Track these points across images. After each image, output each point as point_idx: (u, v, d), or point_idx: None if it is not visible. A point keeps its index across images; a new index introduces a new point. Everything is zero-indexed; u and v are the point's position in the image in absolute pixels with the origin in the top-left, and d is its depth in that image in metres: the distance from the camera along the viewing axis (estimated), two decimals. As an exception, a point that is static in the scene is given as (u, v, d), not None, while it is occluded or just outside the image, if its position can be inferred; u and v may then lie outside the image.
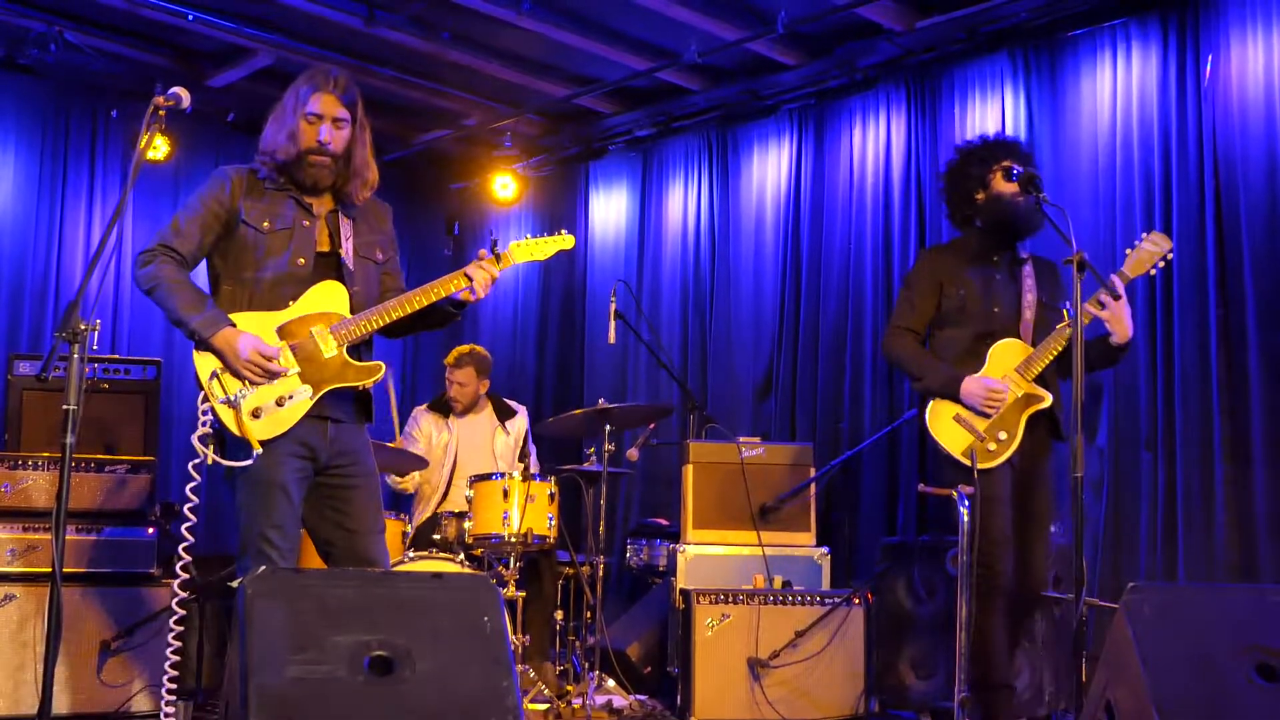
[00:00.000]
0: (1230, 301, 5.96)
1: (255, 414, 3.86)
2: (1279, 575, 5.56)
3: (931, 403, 4.86)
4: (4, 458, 5.54)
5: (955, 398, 4.79)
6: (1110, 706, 3.39)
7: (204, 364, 3.88)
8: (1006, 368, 4.79)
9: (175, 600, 3.99)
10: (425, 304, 4.06)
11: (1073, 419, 4.05)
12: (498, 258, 4.16)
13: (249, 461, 3.84)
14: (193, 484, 3.88)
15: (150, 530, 5.65)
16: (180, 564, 3.97)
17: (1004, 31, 6.88)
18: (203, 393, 3.87)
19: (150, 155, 7.88)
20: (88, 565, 5.50)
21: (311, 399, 3.94)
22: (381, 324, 4.02)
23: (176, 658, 4.05)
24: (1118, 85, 6.47)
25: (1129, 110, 6.41)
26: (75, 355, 3.49)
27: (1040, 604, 4.89)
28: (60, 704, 5.28)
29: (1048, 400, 4.76)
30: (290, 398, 3.91)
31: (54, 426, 5.56)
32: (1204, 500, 5.89)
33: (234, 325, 3.89)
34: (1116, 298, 4.64)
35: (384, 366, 4.09)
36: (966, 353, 4.88)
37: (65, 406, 3.48)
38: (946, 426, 4.80)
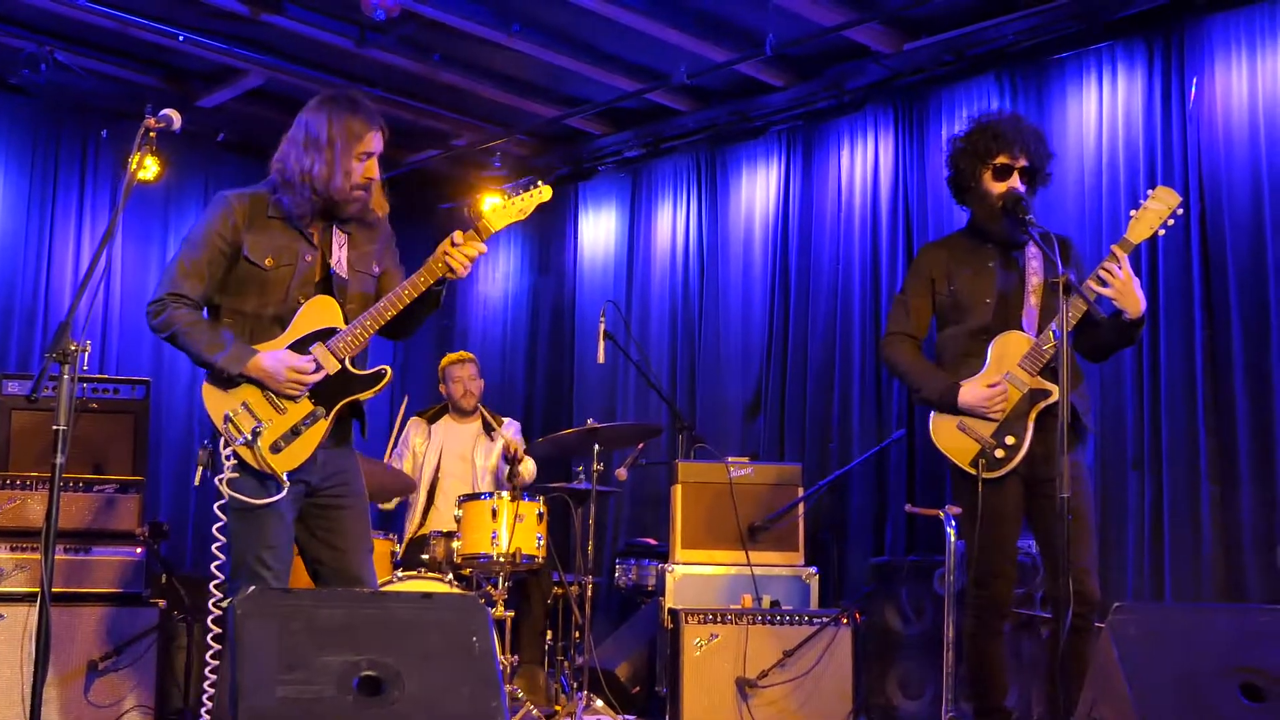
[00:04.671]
0: (1215, 322, 5.99)
1: (274, 448, 3.87)
2: (1265, 595, 5.58)
3: (934, 413, 4.60)
4: (-8, 477, 5.54)
5: (955, 408, 4.52)
6: (1097, 726, 3.40)
7: (215, 408, 3.88)
8: (1008, 364, 4.50)
9: (210, 636, 3.96)
10: (415, 296, 4.00)
11: (1060, 438, 3.95)
12: (478, 230, 4.04)
13: (281, 494, 3.86)
14: (218, 524, 3.88)
15: (139, 550, 5.64)
16: (213, 600, 3.96)
17: (991, 54, 6.92)
18: (222, 438, 3.86)
19: (140, 175, 7.85)
20: (76, 585, 5.49)
21: (327, 418, 3.94)
22: (376, 327, 3.99)
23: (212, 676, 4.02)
24: (1103, 107, 6.51)
25: (1114, 132, 6.45)
26: (65, 376, 3.50)
27: (1090, 617, 4.35)
28: (48, 724, 5.27)
29: (1055, 394, 4.36)
30: (305, 423, 3.91)
31: (43, 446, 5.55)
32: (1190, 519, 5.90)
33: (257, 352, 3.88)
34: (1114, 280, 4.36)
35: (389, 370, 4.06)
36: (965, 352, 4.62)
37: (55, 427, 3.48)
38: (951, 436, 4.53)
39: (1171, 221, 4.45)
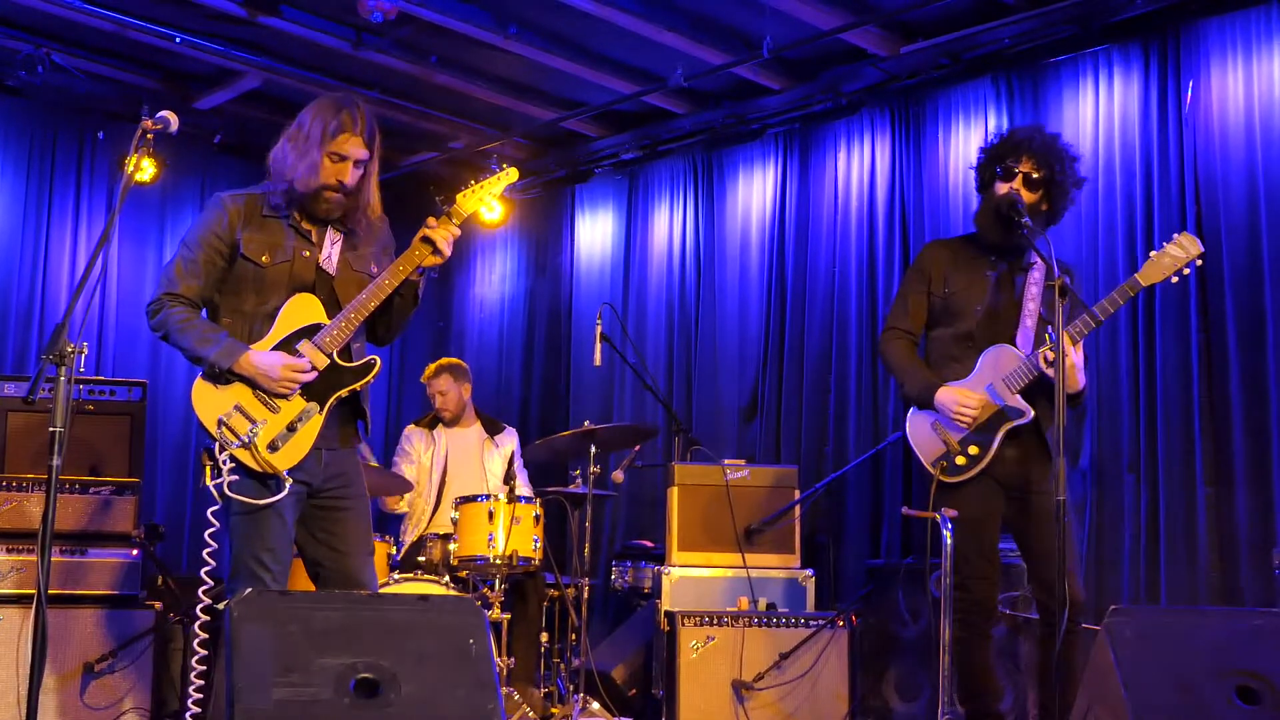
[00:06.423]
0: (1211, 324, 6.00)
1: (272, 447, 3.86)
2: (1260, 598, 5.59)
3: (913, 410, 4.65)
4: (-11, 479, 5.54)
5: (931, 406, 4.56)
6: (1092, 729, 3.40)
7: (208, 413, 3.87)
8: (994, 376, 4.51)
9: (196, 641, 3.97)
10: (398, 284, 4.00)
11: (1056, 441, 3.97)
12: (450, 215, 4.07)
13: (282, 494, 3.86)
14: (210, 530, 3.89)
15: (135, 552, 5.64)
16: (201, 606, 3.96)
17: (987, 57, 6.93)
18: (217, 443, 3.85)
19: (137, 177, 7.84)
20: (72, 587, 5.49)
21: (322, 413, 3.94)
22: (360, 319, 3.98)
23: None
24: (1099, 110, 6.53)
25: (1111, 135, 6.46)
26: (62, 378, 3.49)
27: (1076, 618, 4.32)
28: (44, 726, 5.26)
29: (1028, 416, 4.45)
30: (299, 420, 3.91)
31: (40, 448, 5.54)
32: (1186, 522, 5.91)
33: (249, 349, 3.88)
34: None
35: (379, 360, 4.06)
36: (950, 356, 4.64)
37: (52, 429, 3.48)
38: (923, 434, 4.59)
39: (1187, 271, 4.38)
